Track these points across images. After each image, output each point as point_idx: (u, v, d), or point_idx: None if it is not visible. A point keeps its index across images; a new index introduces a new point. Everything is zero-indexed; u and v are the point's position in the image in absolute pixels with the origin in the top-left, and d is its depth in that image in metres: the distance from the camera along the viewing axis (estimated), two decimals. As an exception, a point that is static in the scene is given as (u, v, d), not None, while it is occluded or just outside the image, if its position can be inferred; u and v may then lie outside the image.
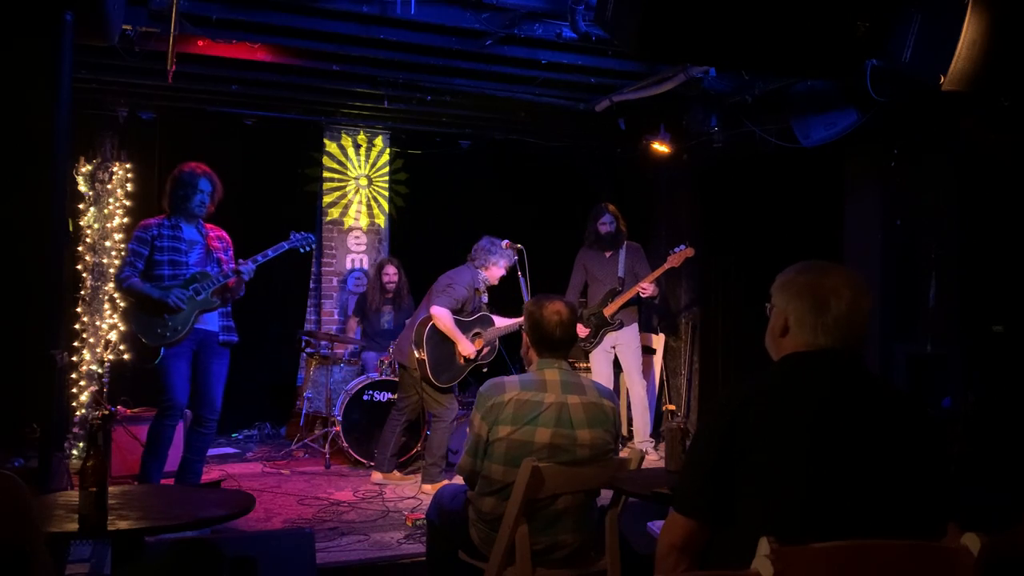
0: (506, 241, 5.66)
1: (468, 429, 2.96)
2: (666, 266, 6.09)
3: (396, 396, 5.63)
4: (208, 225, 4.64)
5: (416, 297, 6.77)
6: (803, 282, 1.89)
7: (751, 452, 1.75)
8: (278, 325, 7.16)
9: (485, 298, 5.44)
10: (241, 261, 4.51)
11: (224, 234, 4.71)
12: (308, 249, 4.79)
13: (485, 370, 5.58)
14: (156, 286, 4.38)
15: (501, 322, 5.43)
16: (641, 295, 6.05)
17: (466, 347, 5.20)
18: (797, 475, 1.73)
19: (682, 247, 6.09)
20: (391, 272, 6.69)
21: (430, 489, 5.09)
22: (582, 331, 6.12)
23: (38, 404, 3.58)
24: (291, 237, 4.73)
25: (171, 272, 4.43)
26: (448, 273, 5.33)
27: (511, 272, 5.42)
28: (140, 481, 4.46)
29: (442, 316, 5.16)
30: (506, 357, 6.38)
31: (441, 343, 5.20)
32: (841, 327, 1.84)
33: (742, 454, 1.76)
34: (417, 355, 5.19)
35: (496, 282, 5.42)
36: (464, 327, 5.27)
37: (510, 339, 6.26)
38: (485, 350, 5.39)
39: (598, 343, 6.23)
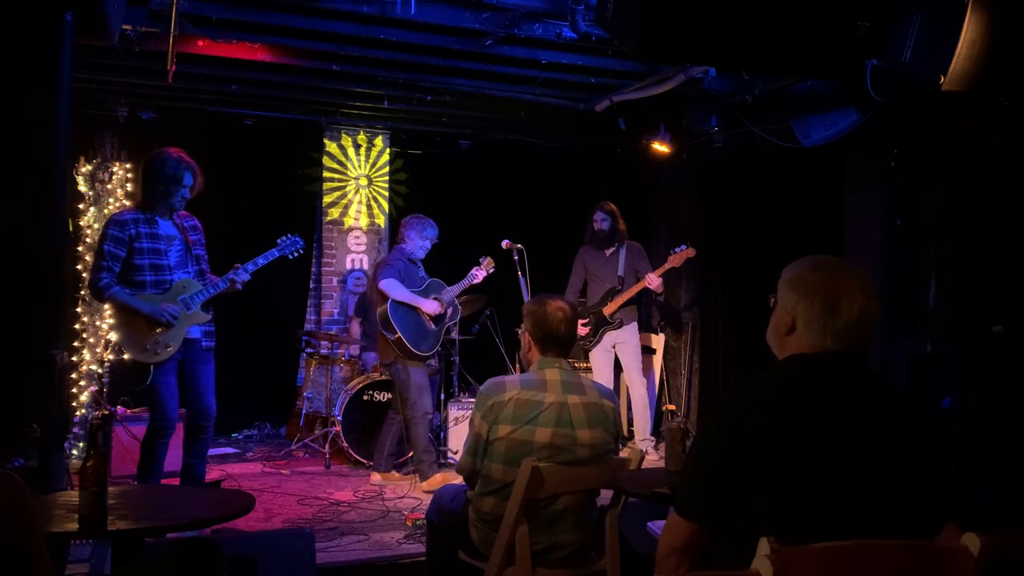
0: (506, 241, 5.67)
1: (468, 428, 2.96)
2: (667, 266, 6.10)
3: (390, 398, 5.77)
4: (182, 213, 4.30)
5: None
6: (815, 282, 1.84)
7: (754, 454, 1.74)
8: (278, 325, 7.16)
9: (422, 271, 5.53)
10: (237, 267, 4.29)
11: (197, 222, 4.38)
12: (297, 255, 4.58)
13: (450, 335, 5.91)
14: (142, 297, 4.07)
15: (454, 287, 5.59)
16: (649, 286, 6.04)
17: (428, 305, 5.34)
18: (799, 476, 1.72)
19: (683, 247, 6.09)
20: None
21: (427, 486, 5.14)
22: (582, 329, 6.13)
23: (38, 404, 3.58)
24: (279, 243, 4.45)
25: (154, 278, 4.12)
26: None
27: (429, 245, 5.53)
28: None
29: (391, 286, 5.26)
30: (506, 357, 6.38)
31: (407, 315, 5.30)
32: (851, 332, 1.80)
33: (745, 456, 1.74)
34: (392, 338, 5.27)
35: (420, 253, 5.48)
36: (420, 295, 5.39)
37: (511, 339, 6.26)
38: (448, 311, 5.54)
39: (597, 342, 6.23)
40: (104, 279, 4.03)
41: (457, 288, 5.60)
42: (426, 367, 5.49)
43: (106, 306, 5.57)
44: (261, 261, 4.38)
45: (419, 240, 5.47)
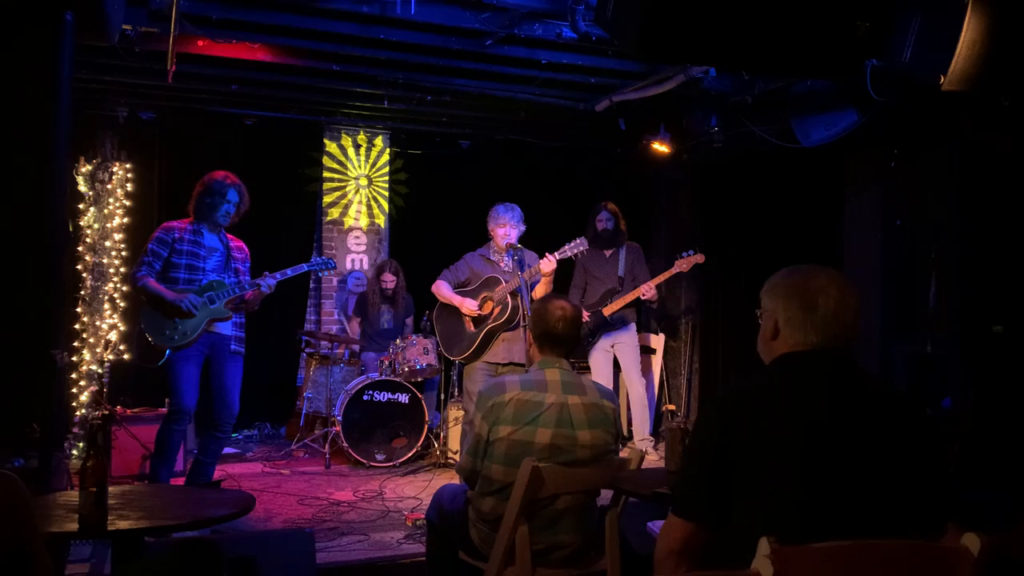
0: (507, 241, 5.66)
1: (468, 429, 2.96)
2: (673, 270, 6.06)
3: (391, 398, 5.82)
4: (229, 236, 4.65)
5: (413, 296, 6.82)
6: (790, 283, 1.91)
7: (748, 453, 1.75)
8: (278, 325, 7.16)
9: (507, 265, 5.07)
10: (266, 274, 4.51)
11: (244, 246, 4.72)
12: (326, 273, 4.82)
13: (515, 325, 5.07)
14: (171, 288, 4.38)
15: (512, 284, 4.94)
16: (642, 297, 6.04)
17: (466, 304, 4.99)
18: (794, 475, 1.73)
19: (690, 252, 6.05)
20: (388, 279, 6.70)
21: None
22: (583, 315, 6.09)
23: (38, 404, 3.58)
24: (312, 260, 4.77)
25: (187, 276, 4.43)
26: None
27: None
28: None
29: (436, 287, 5.15)
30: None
31: (447, 317, 5.17)
32: (830, 325, 1.85)
33: (739, 455, 1.76)
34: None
35: (503, 242, 5.02)
36: (470, 294, 5.07)
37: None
38: (496, 309, 5.00)
39: (596, 342, 6.22)
40: (141, 271, 4.41)
41: (510, 286, 4.97)
42: (486, 372, 4.97)
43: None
44: (290, 272, 4.64)
45: (500, 230, 5.06)
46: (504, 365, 4.99)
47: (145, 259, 4.42)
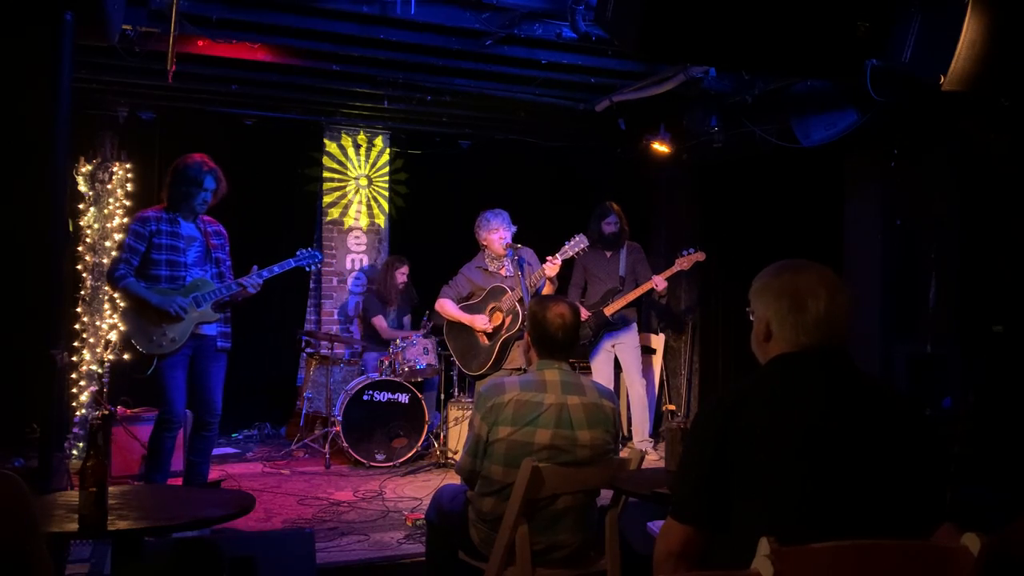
0: (506, 242, 5.65)
1: (468, 429, 2.96)
2: (675, 268, 6.05)
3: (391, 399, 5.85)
4: (206, 218, 4.46)
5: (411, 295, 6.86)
6: (778, 285, 1.90)
7: (746, 454, 1.75)
8: (278, 325, 7.16)
9: (508, 271, 5.08)
10: (253, 271, 4.39)
11: (221, 228, 4.55)
12: (314, 268, 4.72)
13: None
14: (155, 290, 4.22)
15: (517, 292, 4.97)
16: (656, 289, 6.02)
17: (477, 321, 5.09)
18: (793, 476, 1.72)
19: (691, 251, 6.04)
20: (404, 272, 6.73)
21: None
22: (583, 314, 6.09)
23: (38, 404, 3.57)
24: (297, 255, 4.61)
25: (169, 273, 4.27)
26: None
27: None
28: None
29: (440, 306, 5.19)
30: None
31: (459, 333, 5.20)
32: (822, 326, 1.84)
33: (737, 457, 1.75)
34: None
35: (499, 248, 5.04)
36: (476, 308, 5.11)
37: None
38: (507, 320, 5.01)
39: (597, 342, 6.22)
40: (120, 270, 4.21)
41: (522, 290, 4.87)
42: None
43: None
44: (277, 269, 4.51)
45: (494, 235, 5.04)
46: (522, 370, 4.90)
47: (123, 256, 4.23)
